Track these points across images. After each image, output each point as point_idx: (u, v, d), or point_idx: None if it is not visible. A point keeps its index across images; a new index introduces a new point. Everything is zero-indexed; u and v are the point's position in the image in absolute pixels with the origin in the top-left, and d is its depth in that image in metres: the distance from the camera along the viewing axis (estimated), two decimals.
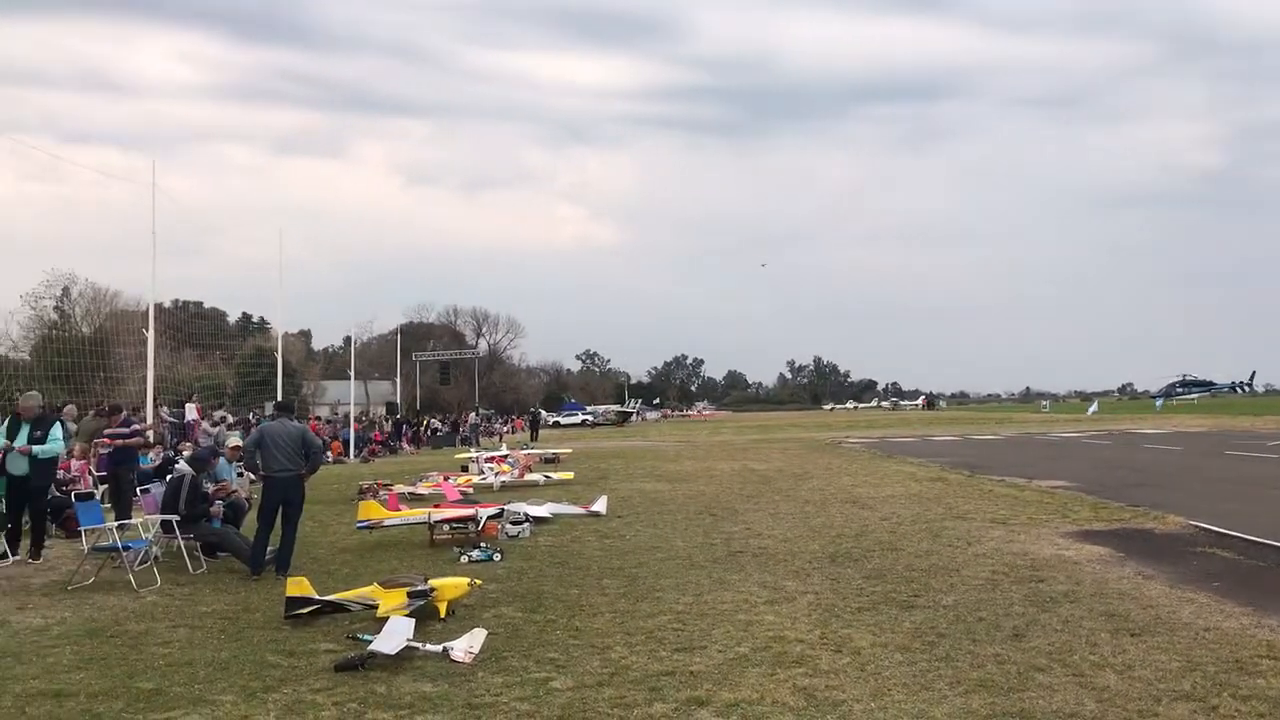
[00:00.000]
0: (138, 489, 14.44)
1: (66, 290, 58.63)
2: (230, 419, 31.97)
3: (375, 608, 8.78)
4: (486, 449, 36.44)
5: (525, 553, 12.55)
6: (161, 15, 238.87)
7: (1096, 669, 6.80)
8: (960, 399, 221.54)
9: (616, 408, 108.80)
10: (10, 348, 47.63)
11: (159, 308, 31.08)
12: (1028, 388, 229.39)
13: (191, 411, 28.80)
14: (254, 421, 28.45)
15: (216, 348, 64.73)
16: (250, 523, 12.71)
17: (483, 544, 12.72)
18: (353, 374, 50.61)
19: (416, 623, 8.00)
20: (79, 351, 35.39)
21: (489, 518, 13.88)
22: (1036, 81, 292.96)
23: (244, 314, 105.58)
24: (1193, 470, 23.65)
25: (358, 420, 45.60)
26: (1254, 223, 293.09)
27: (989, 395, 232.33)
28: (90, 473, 17.54)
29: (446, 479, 21.98)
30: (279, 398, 27.92)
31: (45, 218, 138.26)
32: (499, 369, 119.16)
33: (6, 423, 13.18)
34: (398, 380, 77.08)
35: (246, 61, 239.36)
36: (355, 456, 38.38)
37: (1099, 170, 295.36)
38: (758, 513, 16.17)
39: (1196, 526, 13.31)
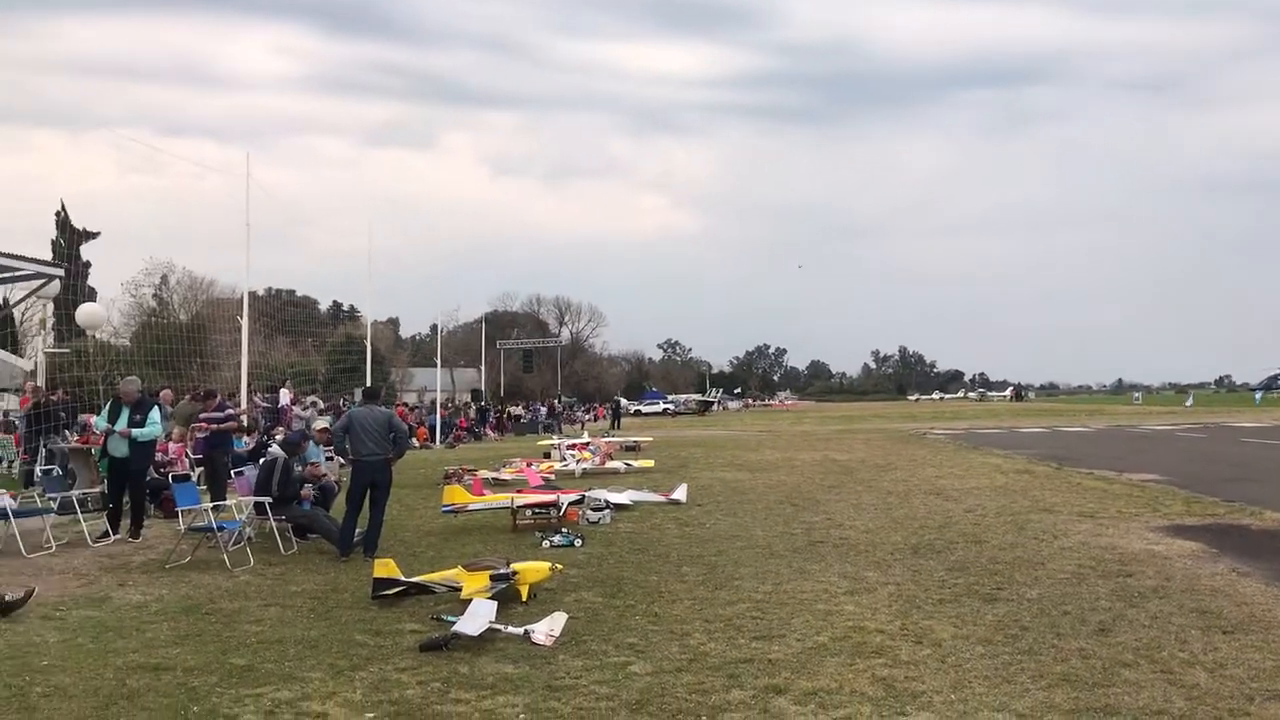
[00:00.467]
0: (232, 472, 14.86)
1: (165, 278, 60.30)
2: (321, 404, 32.70)
3: (459, 590, 8.94)
4: (569, 436, 36.74)
5: (606, 539, 12.66)
6: (258, 9, 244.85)
7: (1186, 666, 6.66)
8: (1050, 390, 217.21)
9: (698, 397, 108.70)
10: (112, 334, 49.18)
11: (253, 295, 31.82)
12: (1120, 379, 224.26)
13: (285, 397, 29.50)
14: (344, 407, 29.04)
15: (308, 335, 66.05)
16: (339, 505, 13.00)
17: (564, 529, 12.86)
18: (439, 361, 51.46)
19: (499, 605, 8.12)
20: (176, 338, 36.38)
21: (570, 504, 14.02)
22: (1130, 65, 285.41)
23: (334, 302, 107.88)
24: None
25: (444, 407, 46.27)
26: None
27: (1079, 387, 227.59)
28: (187, 455, 18.08)
29: (529, 465, 22.23)
30: (367, 384, 28.47)
31: (145, 208, 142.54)
32: (581, 357, 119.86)
33: (108, 406, 13.65)
34: (483, 368, 78.00)
35: (340, 54, 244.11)
36: (441, 442, 38.96)
37: (1196, 157, 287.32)
38: (839, 503, 16.07)
39: None
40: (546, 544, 12.08)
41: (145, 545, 12.70)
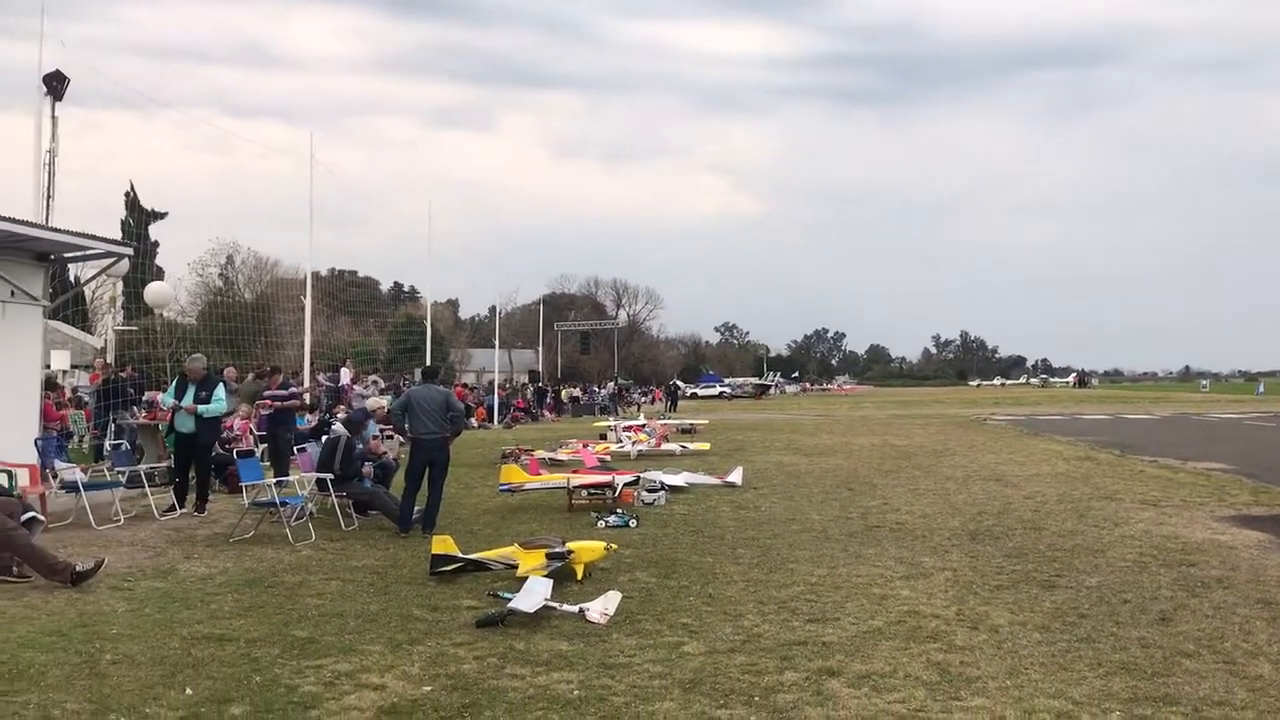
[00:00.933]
0: (295, 448, 15.11)
1: (230, 258, 61.23)
2: (381, 384, 33.09)
3: (515, 567, 9.03)
4: (625, 418, 36.84)
5: (660, 520, 12.70)
6: None
7: (1249, 657, 6.55)
8: (1114, 377, 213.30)
9: (754, 380, 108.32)
10: (179, 312, 50.12)
11: (316, 276, 32.33)
12: (1187, 366, 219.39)
13: (346, 376, 29.89)
14: (404, 386, 29.36)
15: (370, 315, 66.86)
16: (398, 483, 13.17)
17: (619, 510, 12.92)
18: (497, 343, 51.74)
19: (554, 584, 8.20)
20: (242, 317, 37.01)
21: (625, 485, 14.09)
22: (1200, 45, 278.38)
23: (395, 283, 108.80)
24: None
25: (501, 387, 46.61)
26: None
27: (1145, 373, 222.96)
28: (251, 432, 18.41)
29: (585, 446, 22.34)
30: (427, 364, 28.74)
31: (211, 188, 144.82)
32: (638, 340, 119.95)
33: (175, 383, 13.93)
34: (540, 349, 78.36)
35: (402, 36, 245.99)
36: (499, 422, 39.26)
37: (1266, 138, 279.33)
38: (896, 488, 15.97)
39: None
40: (601, 524, 12.15)
41: (210, 519, 12.97)
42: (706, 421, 35.04)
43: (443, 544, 9.30)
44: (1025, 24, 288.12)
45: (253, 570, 9.68)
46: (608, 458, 20.55)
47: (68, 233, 14.12)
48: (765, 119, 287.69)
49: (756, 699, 5.80)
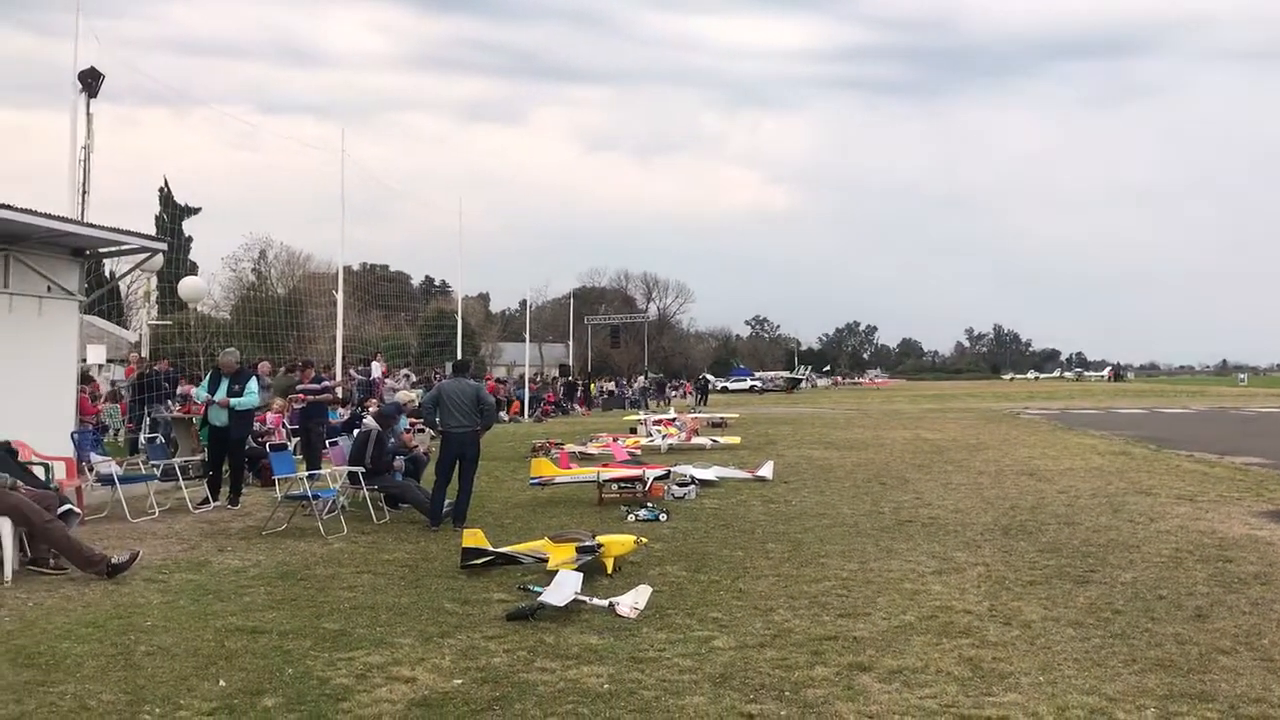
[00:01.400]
0: (327, 442, 15.20)
1: (263, 253, 61.62)
2: (413, 377, 33.24)
3: (546, 561, 9.04)
4: (655, 412, 36.83)
5: (690, 514, 12.68)
6: None
7: None
8: (1150, 370, 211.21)
9: (786, 374, 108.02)
10: (212, 307, 50.57)
11: (348, 270, 32.52)
12: (1224, 360, 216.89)
13: (377, 370, 30.06)
14: (435, 380, 29.48)
15: (401, 309, 67.11)
16: (429, 476, 13.23)
17: (649, 504, 12.92)
18: (528, 336, 51.90)
19: (584, 577, 8.19)
20: (274, 311, 37.25)
21: (656, 479, 14.07)
22: (1242, 33, 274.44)
23: (427, 277, 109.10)
24: None
25: (532, 381, 46.73)
26: None
27: (1181, 367, 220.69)
28: (284, 425, 18.55)
29: (615, 440, 22.35)
30: (458, 358, 28.85)
31: (244, 184, 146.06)
32: (668, 334, 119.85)
33: (209, 377, 14.05)
34: (570, 343, 78.52)
35: (433, 31, 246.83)
36: (529, 416, 39.37)
37: None
38: (929, 482, 15.88)
39: None
40: (632, 518, 12.15)
41: (243, 512, 13.08)
42: (737, 415, 34.97)
43: (473, 537, 9.33)
44: (1060, 15, 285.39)
45: (285, 563, 9.75)
46: (638, 451, 20.54)
47: (103, 228, 14.26)
48: (797, 112, 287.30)
49: (787, 694, 5.78)
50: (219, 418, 13.50)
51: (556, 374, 66.02)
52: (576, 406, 48.40)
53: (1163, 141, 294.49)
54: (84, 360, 21.37)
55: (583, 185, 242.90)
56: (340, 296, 27.45)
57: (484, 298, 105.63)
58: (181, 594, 8.36)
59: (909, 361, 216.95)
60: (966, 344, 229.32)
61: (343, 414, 20.14)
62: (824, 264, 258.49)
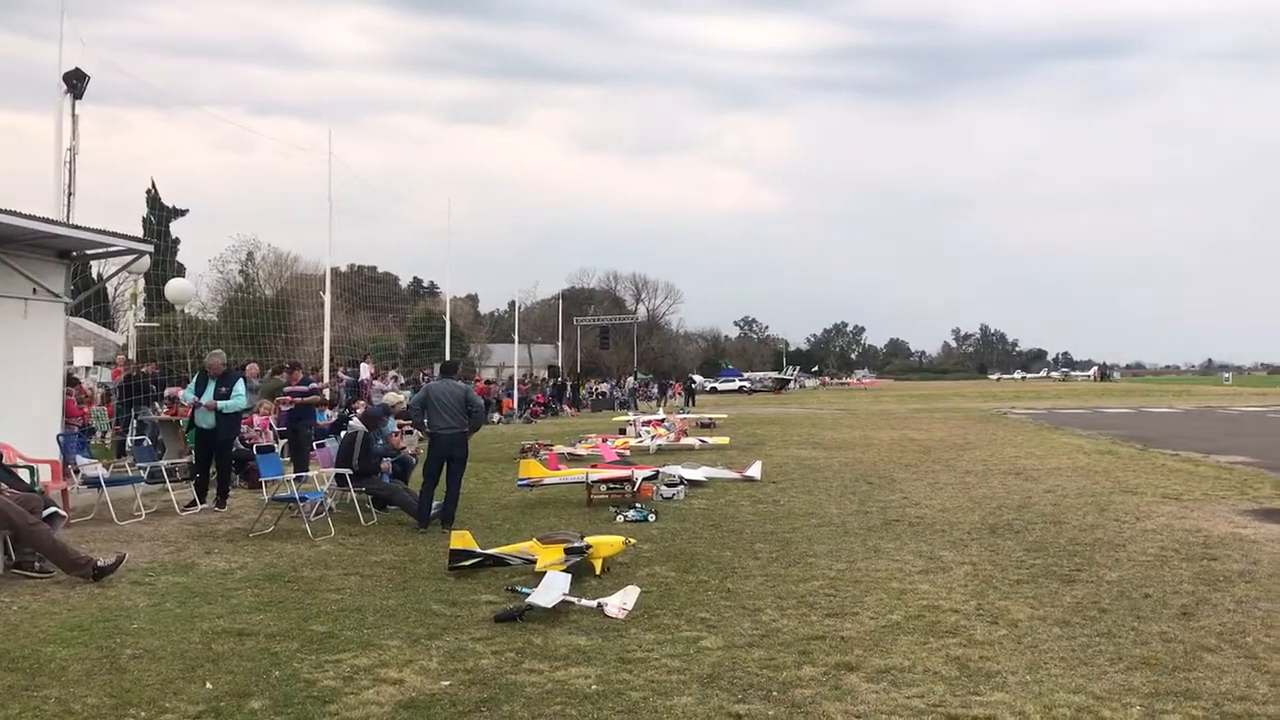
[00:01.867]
0: (314, 444, 15.15)
1: (250, 254, 61.42)
2: (401, 379, 33.17)
3: (534, 562, 9.03)
4: (652, 412, 36.84)
5: (679, 514, 12.69)
6: None
7: (1272, 652, 6.49)
8: (1136, 370, 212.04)
9: (774, 374, 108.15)
10: (200, 309, 50.38)
11: (335, 272, 32.35)
12: (1209, 359, 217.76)
13: (365, 371, 29.99)
14: (423, 381, 29.42)
15: (389, 311, 66.93)
16: (417, 478, 13.20)
17: (638, 504, 12.93)
18: (517, 338, 51.88)
19: (573, 578, 8.19)
20: (262, 313, 37.14)
21: (644, 479, 14.06)
22: (1228, 34, 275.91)
23: (415, 278, 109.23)
24: None
25: (521, 382, 46.68)
26: None
27: (1167, 366, 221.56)
28: (271, 427, 18.49)
29: (605, 441, 22.35)
30: (446, 359, 28.80)
31: (232, 185, 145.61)
32: (657, 334, 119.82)
33: (195, 379, 14.00)
34: (559, 344, 78.46)
35: (422, 32, 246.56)
36: (519, 417, 39.33)
37: None
38: (916, 482, 15.92)
39: None
40: (620, 519, 12.15)
41: (230, 514, 13.04)
42: (726, 415, 35.00)
43: (461, 539, 9.31)
44: (1047, 16, 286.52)
45: (272, 565, 9.72)
46: (627, 452, 20.54)
47: (89, 230, 14.21)
48: (786, 113, 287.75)
49: (775, 694, 5.79)
50: (206, 420, 13.45)
51: (546, 375, 65.95)
52: (565, 408, 48.37)
53: (1149, 142, 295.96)
54: (70, 363, 21.29)
55: (572, 186, 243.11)
56: (328, 298, 27.38)
57: (473, 299, 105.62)
58: (168, 597, 8.33)
59: (896, 362, 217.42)
60: (953, 344, 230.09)
61: (330, 416, 20.10)
62: (812, 265, 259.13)
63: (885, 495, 14.33)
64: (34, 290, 13.76)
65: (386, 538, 11.29)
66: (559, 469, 15.71)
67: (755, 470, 16.69)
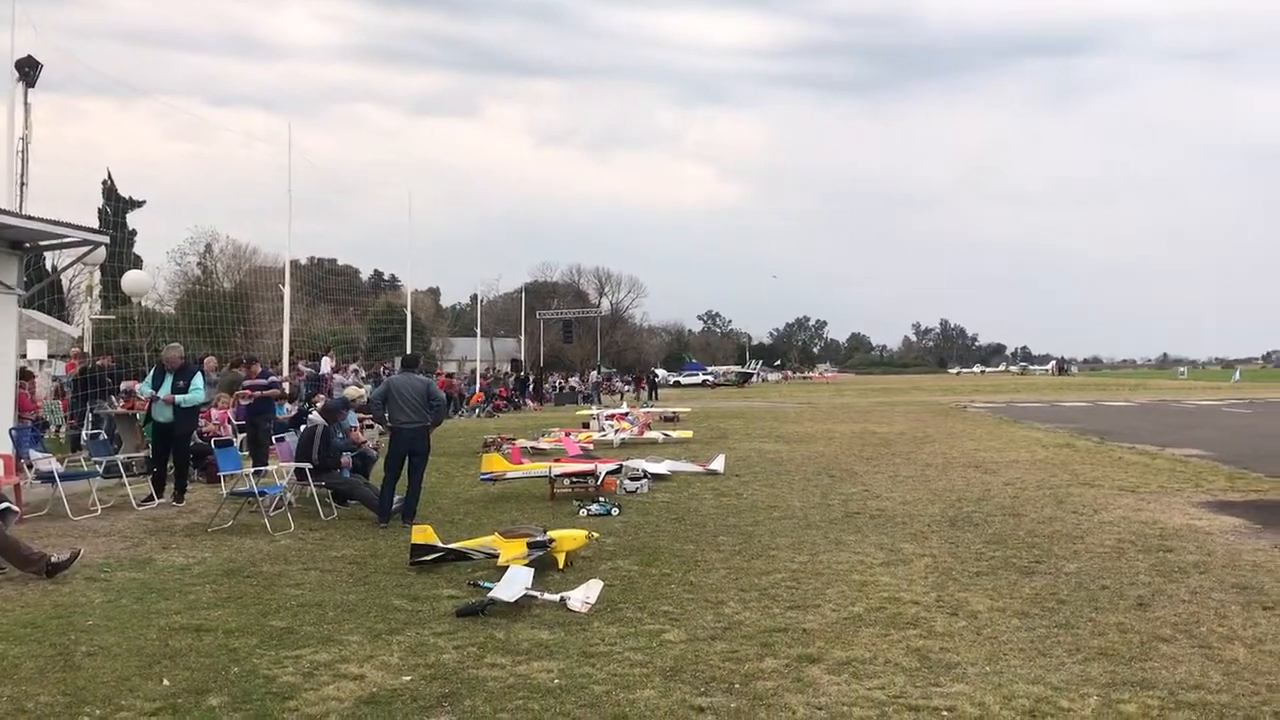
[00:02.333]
0: (273, 438, 15.02)
1: (209, 247, 60.83)
2: (362, 373, 32.93)
3: (496, 557, 8.99)
4: (607, 406, 36.82)
5: (642, 508, 12.69)
6: None
7: (1225, 641, 6.59)
8: (1093, 364, 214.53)
9: (737, 368, 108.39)
10: (157, 301, 49.77)
11: (295, 264, 32.09)
12: (1165, 354, 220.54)
13: (327, 365, 29.76)
14: (384, 375, 29.24)
15: (350, 304, 66.52)
16: (378, 472, 13.12)
17: (601, 498, 12.91)
18: (479, 331, 51.72)
19: (535, 573, 8.18)
20: (221, 306, 36.78)
21: (608, 473, 14.07)
22: (1191, 34, 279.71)
23: (376, 271, 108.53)
24: None
25: (484, 376, 46.51)
26: None
27: (1124, 361, 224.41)
28: (229, 421, 18.31)
29: (568, 435, 22.32)
30: (407, 353, 28.64)
31: (190, 177, 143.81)
32: (621, 328, 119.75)
33: (153, 373, 13.82)
34: (522, 338, 78.27)
35: (385, 23, 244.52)
36: (482, 411, 39.20)
37: (1250, 128, 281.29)
38: (877, 475, 16.01)
39: None
40: (584, 512, 12.14)
41: (188, 509, 12.89)
42: (689, 409, 35.05)
43: (423, 534, 9.26)
44: (1012, 14, 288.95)
45: (231, 560, 9.62)
46: (590, 446, 20.52)
47: (42, 220, 13.99)
48: (751, 109, 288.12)
49: (737, 686, 5.80)
50: (163, 414, 13.29)
51: (509, 369, 65.75)
52: (528, 402, 48.23)
53: (1107, 139, 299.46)
54: (24, 356, 20.97)
55: (535, 179, 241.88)
56: (288, 291, 27.17)
57: (434, 292, 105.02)
58: (124, 593, 8.22)
59: (858, 356, 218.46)
60: (914, 338, 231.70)
61: (290, 410, 19.92)
62: (775, 259, 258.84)
63: (847, 488, 14.40)
64: None
65: (347, 533, 11.21)
66: (522, 463, 15.66)
67: (718, 464, 16.73)
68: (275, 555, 9.87)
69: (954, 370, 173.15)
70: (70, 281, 46.61)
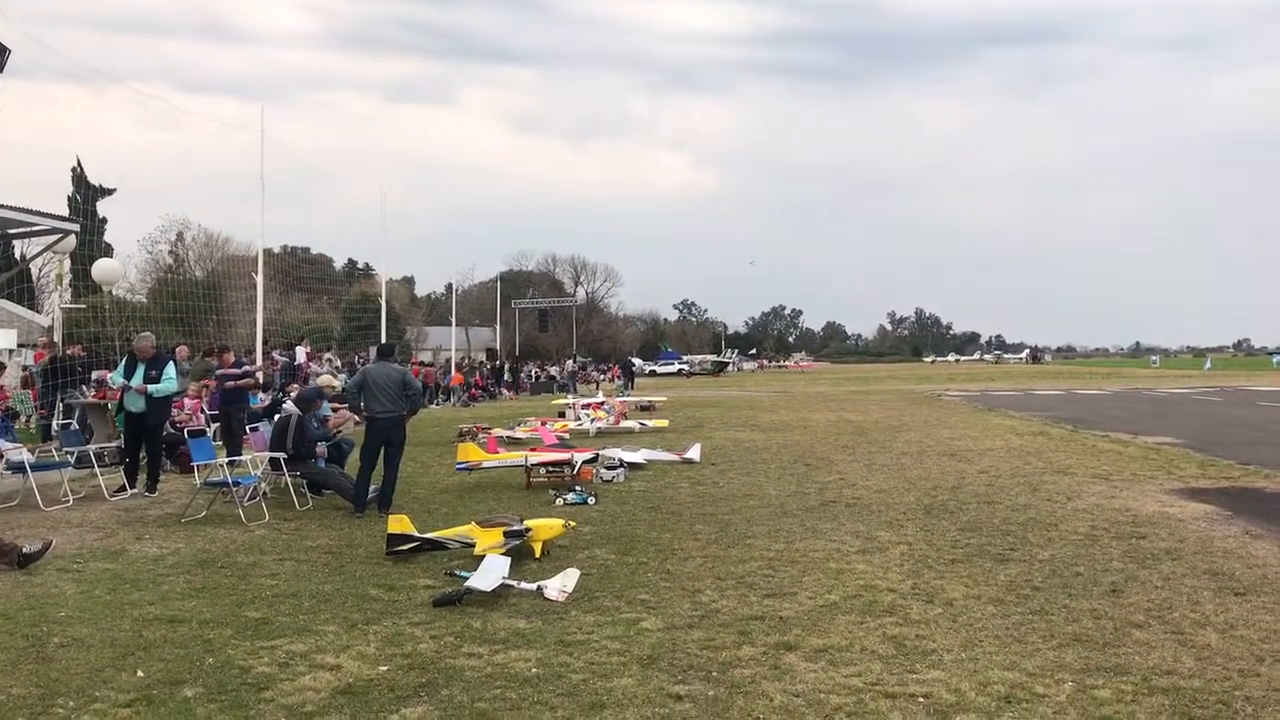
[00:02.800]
0: (247, 427, 14.91)
1: (181, 235, 60.40)
2: (337, 362, 32.78)
3: (473, 546, 8.97)
4: (583, 395, 36.79)
5: (619, 497, 12.69)
6: None
7: (1197, 627, 6.65)
8: (1067, 353, 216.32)
9: (713, 357, 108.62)
10: (128, 290, 49.34)
11: (268, 253, 31.90)
12: (1137, 342, 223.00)
13: (301, 354, 29.58)
14: (359, 365, 29.10)
15: (324, 293, 66.14)
16: (353, 462, 13.05)
17: (578, 487, 12.90)
18: (454, 320, 51.52)
19: (512, 562, 8.16)
20: (193, 295, 36.52)
21: (584, 462, 14.05)
22: (1164, 22, 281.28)
23: (350, 260, 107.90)
24: None
25: (459, 366, 46.37)
26: None
27: (1097, 349, 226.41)
28: (202, 411, 18.17)
29: (544, 424, 22.27)
30: (382, 342, 28.51)
31: (162, 164, 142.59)
32: (597, 317, 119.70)
33: (124, 362, 13.69)
34: (498, 327, 78.07)
35: (360, 9, 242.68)
36: (457, 400, 39.08)
37: (1224, 116, 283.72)
38: (853, 463, 16.08)
39: None
40: (560, 501, 12.12)
41: (161, 499, 12.80)
42: (665, 398, 35.07)
43: (399, 523, 9.22)
44: (985, 2, 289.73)
45: (205, 551, 9.55)
46: (566, 435, 20.48)
47: (11, 209, 13.83)
48: (725, 96, 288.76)
49: (714, 674, 5.81)
50: (136, 404, 13.17)
51: (484, 358, 65.57)
52: (504, 391, 48.11)
53: (1081, 127, 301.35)
54: None
55: (511, 168, 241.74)
56: (260, 280, 26.93)
57: (409, 281, 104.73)
58: (97, 584, 8.15)
59: (833, 344, 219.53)
60: (889, 327, 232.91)
61: (263, 399, 19.79)
62: (750, 248, 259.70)
63: (822, 476, 14.45)
64: None
65: (322, 522, 11.15)
66: (498, 452, 15.63)
67: (694, 452, 16.75)
68: (250, 545, 9.81)
69: (929, 359, 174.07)
70: (40, 270, 46.16)
